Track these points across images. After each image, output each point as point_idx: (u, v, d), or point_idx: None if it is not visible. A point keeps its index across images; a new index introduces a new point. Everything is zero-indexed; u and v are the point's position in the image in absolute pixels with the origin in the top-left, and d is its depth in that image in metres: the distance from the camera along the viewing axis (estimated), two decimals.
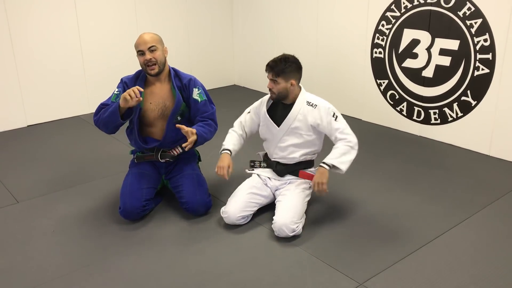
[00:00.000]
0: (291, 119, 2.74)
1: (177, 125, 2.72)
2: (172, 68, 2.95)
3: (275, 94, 2.73)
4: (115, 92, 2.88)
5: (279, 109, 2.83)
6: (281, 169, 2.85)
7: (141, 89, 2.69)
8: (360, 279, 2.26)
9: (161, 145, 2.91)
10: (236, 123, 2.99)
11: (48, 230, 2.75)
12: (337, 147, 2.69)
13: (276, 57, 2.73)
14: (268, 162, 2.91)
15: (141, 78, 2.92)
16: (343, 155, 2.65)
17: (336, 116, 2.72)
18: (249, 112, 2.96)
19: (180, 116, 2.90)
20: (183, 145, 2.76)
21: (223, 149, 2.85)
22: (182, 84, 2.91)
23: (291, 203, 2.65)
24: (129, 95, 2.62)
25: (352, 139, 2.70)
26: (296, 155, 2.80)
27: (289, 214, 2.58)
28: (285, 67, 2.67)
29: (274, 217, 2.63)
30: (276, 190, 2.83)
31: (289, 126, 2.75)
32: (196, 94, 2.90)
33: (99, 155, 3.86)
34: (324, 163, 2.65)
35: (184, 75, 2.95)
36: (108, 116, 2.77)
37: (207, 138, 2.88)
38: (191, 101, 2.90)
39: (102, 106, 2.87)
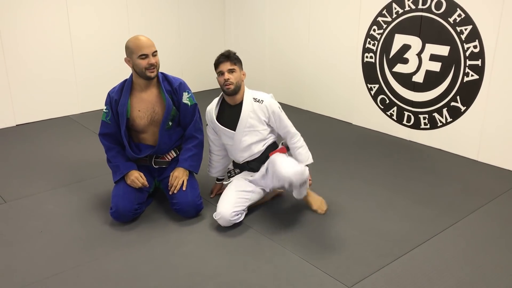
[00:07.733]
0: (244, 119, 2.79)
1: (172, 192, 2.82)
2: (160, 72, 2.88)
3: (233, 84, 2.76)
4: (104, 111, 2.87)
5: (228, 113, 2.87)
6: (254, 165, 2.89)
7: (146, 184, 2.82)
8: (348, 282, 2.27)
9: (155, 152, 2.90)
10: (209, 142, 3.04)
11: (35, 231, 2.73)
12: (297, 146, 2.87)
13: (222, 52, 2.80)
14: (239, 166, 2.95)
15: (126, 88, 2.83)
16: (307, 151, 2.91)
17: (281, 111, 2.84)
18: (207, 125, 2.99)
19: (171, 121, 2.88)
20: (170, 191, 2.82)
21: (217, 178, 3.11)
22: (172, 88, 2.86)
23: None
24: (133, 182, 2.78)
25: (297, 131, 2.90)
26: (259, 148, 2.85)
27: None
28: (237, 56, 2.80)
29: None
30: (261, 181, 2.85)
31: (244, 126, 2.79)
32: (186, 98, 2.89)
33: (88, 155, 3.83)
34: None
35: (173, 78, 2.90)
36: (111, 169, 2.91)
37: (199, 164, 2.96)
38: (181, 105, 2.88)
39: (104, 131, 2.88)
